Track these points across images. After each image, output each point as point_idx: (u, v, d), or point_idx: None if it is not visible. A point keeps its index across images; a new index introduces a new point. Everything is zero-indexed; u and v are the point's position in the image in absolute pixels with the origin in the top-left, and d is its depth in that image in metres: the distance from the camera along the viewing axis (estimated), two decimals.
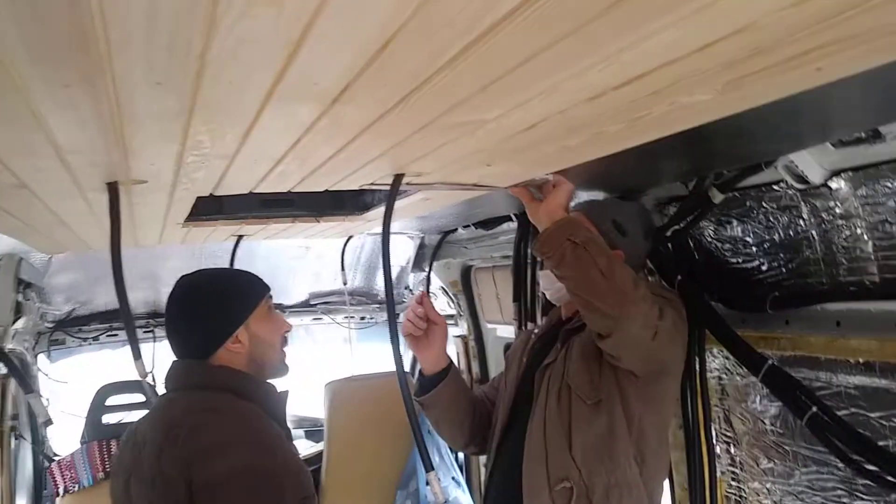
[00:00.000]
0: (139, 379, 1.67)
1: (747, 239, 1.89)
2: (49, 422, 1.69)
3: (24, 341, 3.42)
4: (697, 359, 2.01)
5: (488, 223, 2.97)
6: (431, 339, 2.07)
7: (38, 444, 3.61)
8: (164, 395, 1.76)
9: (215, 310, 1.76)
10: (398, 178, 1.57)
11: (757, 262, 1.89)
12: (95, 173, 1.29)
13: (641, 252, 1.98)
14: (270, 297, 1.86)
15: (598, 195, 2.15)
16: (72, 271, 3.52)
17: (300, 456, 1.90)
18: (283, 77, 0.81)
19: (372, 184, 1.69)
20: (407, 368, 4.23)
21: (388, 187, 1.62)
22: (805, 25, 0.75)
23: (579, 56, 0.82)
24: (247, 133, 1.07)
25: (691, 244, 2.06)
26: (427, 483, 1.62)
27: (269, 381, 1.84)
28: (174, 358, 1.82)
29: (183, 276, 1.84)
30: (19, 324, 3.10)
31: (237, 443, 1.55)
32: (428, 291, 3.80)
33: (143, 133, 1.02)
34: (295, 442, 4.20)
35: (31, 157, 1.11)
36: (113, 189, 1.40)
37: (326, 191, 1.81)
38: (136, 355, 1.52)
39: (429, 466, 1.54)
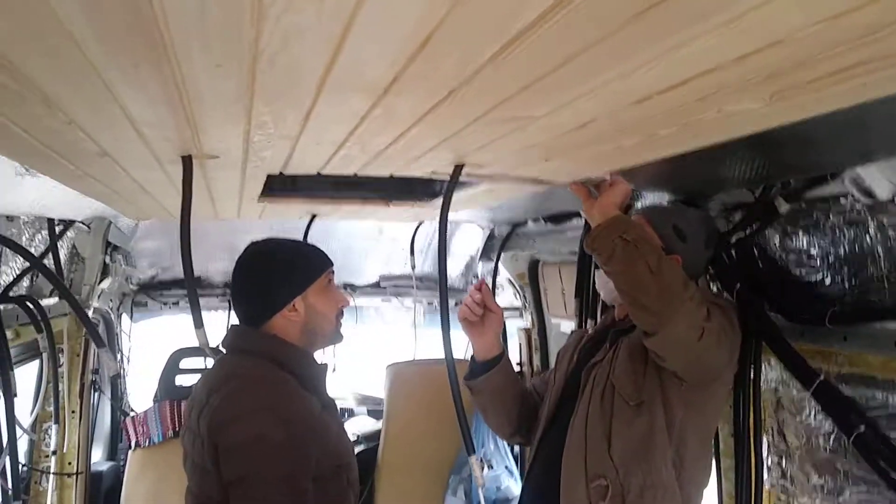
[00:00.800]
0: (211, 346, 1.77)
1: (812, 251, 1.85)
2: (117, 375, 1.79)
3: (108, 301, 3.62)
4: (752, 368, 1.99)
5: (557, 218, 2.98)
6: (486, 326, 2.10)
7: (117, 399, 3.82)
8: (220, 356, 1.84)
9: (277, 277, 1.82)
10: (458, 168, 1.61)
11: (820, 276, 1.86)
12: (170, 146, 1.37)
13: (701, 259, 1.97)
14: (332, 271, 1.92)
15: (664, 197, 2.15)
16: (156, 238, 3.70)
17: (343, 427, 1.96)
18: (332, 67, 0.86)
19: (433, 172, 1.74)
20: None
21: (448, 177, 1.66)
22: (842, 41, 0.76)
23: (618, 59, 0.84)
24: (306, 117, 1.13)
25: (755, 252, 2.03)
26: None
27: (316, 349, 1.89)
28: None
29: (252, 243, 1.91)
30: (105, 284, 3.28)
31: (260, 411, 1.60)
32: (495, 282, 3.83)
33: (209, 112, 1.09)
34: (356, 419, 4.34)
35: (110, 128, 1.20)
36: (187, 162, 1.48)
37: (396, 176, 1.86)
38: (198, 324, 1.60)
39: (471, 450, 1.59)
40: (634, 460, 1.79)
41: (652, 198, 2.21)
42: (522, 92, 0.98)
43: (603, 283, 1.98)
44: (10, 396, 2.09)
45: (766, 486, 2.12)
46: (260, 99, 1.01)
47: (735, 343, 1.84)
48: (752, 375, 1.97)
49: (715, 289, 2.12)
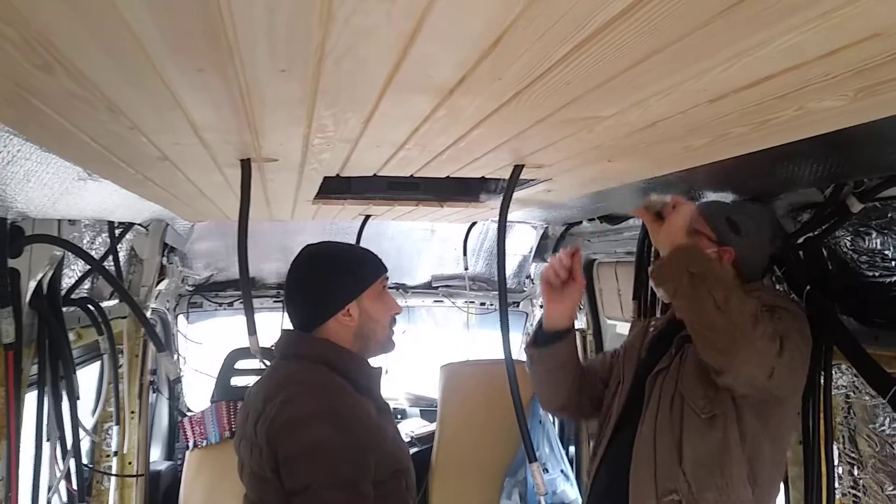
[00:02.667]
0: (267, 347, 1.75)
1: (886, 252, 1.78)
2: (178, 379, 1.80)
3: (166, 302, 3.66)
4: (823, 374, 1.91)
5: (613, 218, 2.93)
6: (566, 295, 2.04)
7: (174, 399, 3.88)
8: (273, 362, 1.83)
9: (332, 280, 1.80)
10: (518, 168, 1.58)
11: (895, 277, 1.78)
12: (230, 150, 1.37)
13: (760, 255, 1.92)
14: (386, 277, 1.89)
15: (728, 198, 2.08)
16: (212, 239, 3.73)
17: (398, 431, 1.92)
18: (399, 68, 0.84)
19: (491, 173, 1.71)
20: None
21: (507, 177, 1.64)
22: None
23: (698, 57, 0.80)
24: (368, 119, 1.11)
25: (825, 253, 1.96)
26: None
27: (368, 356, 1.86)
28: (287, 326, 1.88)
29: (308, 245, 1.90)
30: (162, 285, 3.32)
31: (317, 417, 1.58)
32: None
33: (271, 116, 1.07)
34: (409, 420, 4.33)
35: (171, 132, 1.19)
36: (246, 165, 1.48)
37: (450, 176, 1.84)
38: (252, 331, 1.58)
39: (532, 457, 1.55)
40: (708, 475, 1.73)
41: (713, 195, 2.15)
42: (592, 92, 0.94)
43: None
44: (73, 399, 2.12)
45: (837, 496, 2.04)
46: (322, 102, 0.99)
47: (808, 362, 1.77)
48: (822, 382, 1.90)
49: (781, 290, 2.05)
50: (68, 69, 0.81)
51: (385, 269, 1.89)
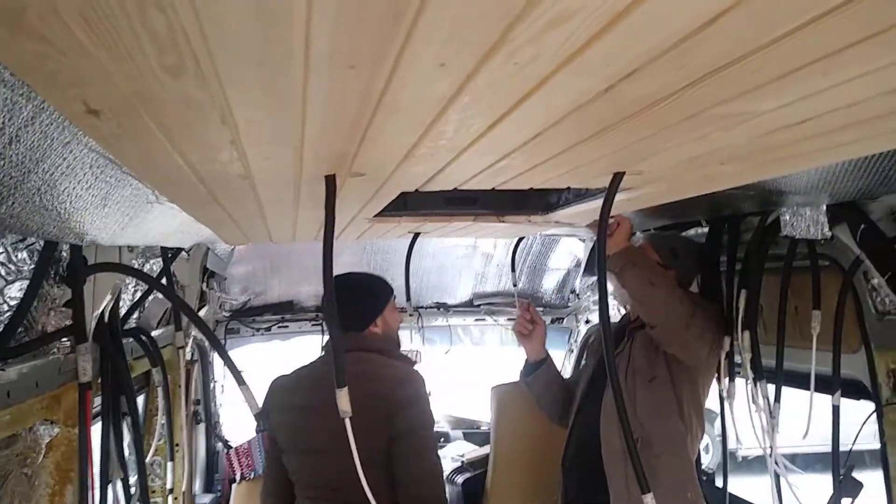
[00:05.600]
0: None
1: None
2: (260, 414, 1.70)
3: None
4: None
5: (671, 228, 2.83)
6: (535, 335, 2.90)
7: (211, 427, 3.76)
8: (325, 356, 2.43)
9: (368, 299, 2.49)
10: (618, 176, 1.47)
11: None
12: (321, 165, 1.26)
13: (691, 273, 2.78)
14: (395, 296, 2.57)
15: (820, 201, 1.97)
16: (249, 262, 3.64)
17: None
18: (572, 59, 0.73)
19: (579, 183, 1.60)
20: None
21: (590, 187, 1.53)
22: None
23: None
24: (495, 123, 1.00)
25: None
26: None
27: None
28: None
29: (344, 273, 2.48)
30: (202, 312, 3.22)
31: (423, 397, 2.30)
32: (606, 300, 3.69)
33: (393, 120, 0.96)
34: (455, 444, 4.22)
35: (273, 145, 1.08)
36: (330, 182, 1.37)
37: (509, 190, 1.73)
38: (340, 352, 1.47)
39: (645, 488, 1.42)
40: (653, 417, 2.50)
41: (800, 199, 2.03)
42: (774, 82, 0.83)
43: (616, 290, 2.70)
44: (139, 434, 2.01)
45: None
46: (459, 103, 0.88)
47: (717, 336, 2.54)
48: None
49: None
50: (203, 68, 0.70)
51: (393, 290, 2.59)
